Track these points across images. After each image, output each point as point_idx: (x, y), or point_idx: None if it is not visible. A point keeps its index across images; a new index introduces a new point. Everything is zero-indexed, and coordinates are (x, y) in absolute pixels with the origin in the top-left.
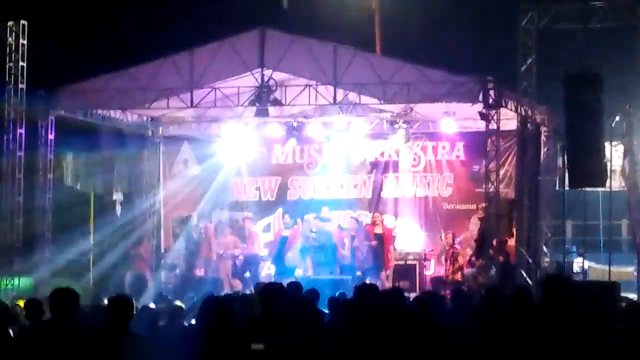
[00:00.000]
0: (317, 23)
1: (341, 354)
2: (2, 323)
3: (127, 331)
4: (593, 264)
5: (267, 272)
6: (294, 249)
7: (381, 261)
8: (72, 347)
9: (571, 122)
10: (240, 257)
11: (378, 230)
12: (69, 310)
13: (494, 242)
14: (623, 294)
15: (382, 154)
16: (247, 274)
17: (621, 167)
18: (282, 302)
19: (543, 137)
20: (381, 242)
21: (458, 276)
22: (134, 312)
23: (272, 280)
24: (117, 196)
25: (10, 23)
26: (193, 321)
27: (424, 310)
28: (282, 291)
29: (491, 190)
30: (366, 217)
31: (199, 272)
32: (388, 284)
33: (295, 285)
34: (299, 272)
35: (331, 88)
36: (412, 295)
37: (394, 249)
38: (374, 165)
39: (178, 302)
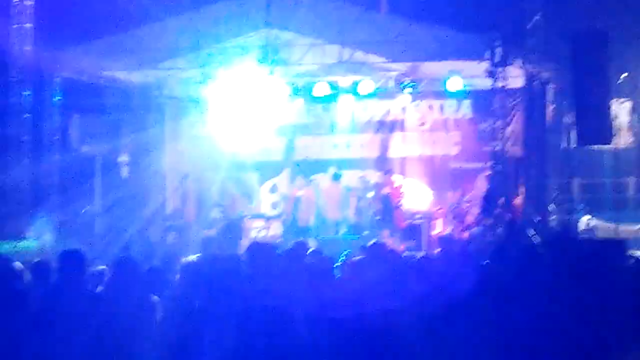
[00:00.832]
0: None
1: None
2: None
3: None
4: (600, 222)
5: (273, 232)
6: (307, 209)
7: (387, 220)
8: (80, 310)
9: (578, 80)
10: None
11: (384, 190)
12: (77, 272)
13: (502, 201)
14: (630, 252)
15: (388, 113)
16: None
17: (628, 124)
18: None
19: (550, 95)
20: (387, 201)
21: (465, 235)
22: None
23: (279, 240)
24: (124, 158)
25: None
26: None
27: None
28: (272, 251)
29: (498, 148)
30: (374, 177)
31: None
32: (392, 243)
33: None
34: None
35: (337, 47)
36: (419, 255)
37: (401, 208)
38: (381, 124)
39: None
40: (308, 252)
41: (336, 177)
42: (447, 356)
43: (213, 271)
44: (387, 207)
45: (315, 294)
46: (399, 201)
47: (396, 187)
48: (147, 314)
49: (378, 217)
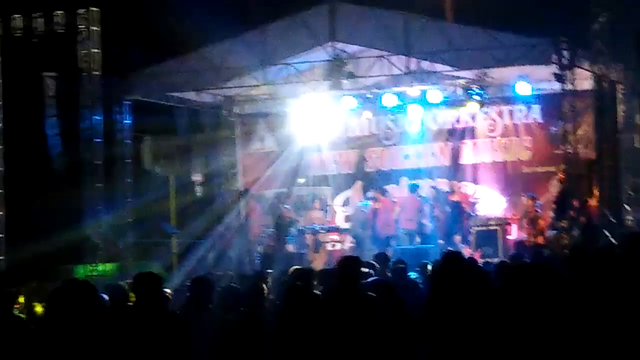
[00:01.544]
0: None
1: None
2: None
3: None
4: None
5: (348, 245)
6: (385, 220)
7: (458, 228)
8: (158, 330)
9: None
10: (322, 231)
11: (455, 198)
12: (153, 293)
13: (576, 203)
14: None
15: (458, 121)
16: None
17: None
18: (357, 276)
19: (620, 96)
20: (458, 210)
21: (540, 239)
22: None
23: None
24: (197, 177)
25: (81, 10)
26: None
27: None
28: (358, 264)
29: (569, 151)
30: (445, 186)
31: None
32: (466, 249)
33: (383, 257)
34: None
35: (404, 58)
36: (495, 260)
37: (475, 215)
38: (451, 132)
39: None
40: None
41: (413, 188)
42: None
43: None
44: (457, 214)
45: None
46: (471, 209)
47: (466, 195)
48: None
49: (448, 225)
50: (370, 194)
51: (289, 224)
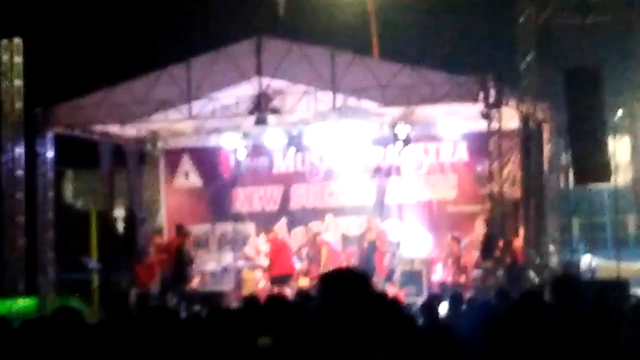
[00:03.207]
0: (313, 29)
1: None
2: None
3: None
4: (601, 261)
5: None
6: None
7: (372, 267)
8: None
9: (573, 118)
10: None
11: (371, 236)
12: (73, 328)
13: (501, 243)
14: (632, 290)
15: (383, 158)
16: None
17: (627, 161)
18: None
19: (546, 135)
20: (373, 248)
21: (463, 279)
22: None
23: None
24: (119, 212)
25: (4, 41)
26: None
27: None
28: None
29: (495, 190)
30: (366, 223)
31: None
32: (391, 288)
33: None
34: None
35: (330, 94)
36: (419, 300)
37: (398, 254)
38: (377, 170)
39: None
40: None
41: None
42: None
43: None
44: (371, 254)
45: None
46: (387, 247)
47: (382, 232)
48: None
49: (362, 264)
50: (262, 234)
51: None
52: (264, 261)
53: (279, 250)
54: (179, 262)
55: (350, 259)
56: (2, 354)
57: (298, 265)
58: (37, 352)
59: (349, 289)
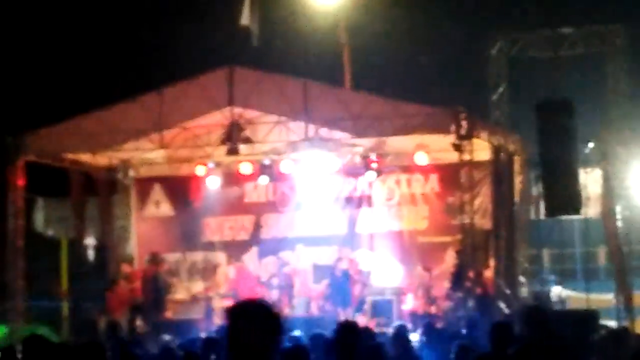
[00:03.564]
0: (286, 60)
1: None
2: None
3: None
4: (571, 292)
5: None
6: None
7: (347, 296)
8: None
9: (545, 150)
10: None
11: (343, 265)
12: (42, 357)
13: (471, 274)
14: (602, 322)
15: (355, 189)
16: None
17: (600, 193)
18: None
19: (517, 167)
20: (346, 278)
21: (433, 309)
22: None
23: None
24: (90, 241)
25: None
26: None
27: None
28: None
29: (466, 221)
30: (334, 253)
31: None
32: (361, 318)
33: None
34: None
35: (302, 124)
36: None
37: (368, 284)
38: (348, 200)
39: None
40: None
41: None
42: None
43: None
44: (346, 284)
45: None
46: (358, 276)
47: (353, 262)
48: None
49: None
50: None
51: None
52: (226, 290)
53: (243, 280)
54: (154, 290)
55: (323, 289)
56: None
57: (267, 294)
58: None
59: (251, 315)
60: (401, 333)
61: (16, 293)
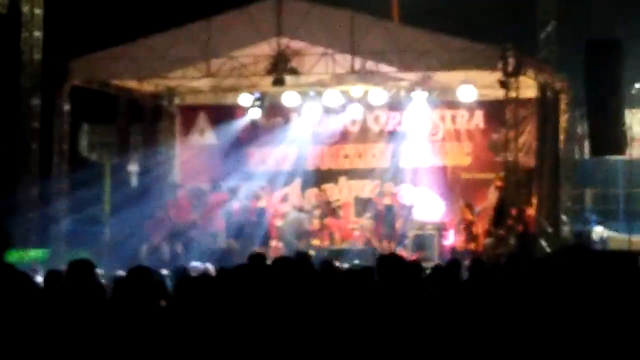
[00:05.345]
0: None
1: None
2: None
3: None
4: (613, 233)
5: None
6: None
7: (391, 230)
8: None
9: (591, 90)
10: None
11: (387, 201)
12: (87, 280)
13: (513, 212)
14: None
15: (399, 123)
16: None
17: None
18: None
19: (563, 105)
20: (391, 212)
21: (472, 246)
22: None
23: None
24: (133, 167)
25: None
26: None
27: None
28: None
29: (510, 159)
30: (377, 188)
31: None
32: (403, 252)
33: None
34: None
35: (348, 56)
36: (431, 265)
37: (406, 218)
38: (392, 134)
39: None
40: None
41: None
42: None
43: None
44: (391, 217)
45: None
46: (401, 211)
47: (395, 196)
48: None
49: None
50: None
51: None
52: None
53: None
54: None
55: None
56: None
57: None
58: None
59: None
60: (454, 266)
61: (59, 217)
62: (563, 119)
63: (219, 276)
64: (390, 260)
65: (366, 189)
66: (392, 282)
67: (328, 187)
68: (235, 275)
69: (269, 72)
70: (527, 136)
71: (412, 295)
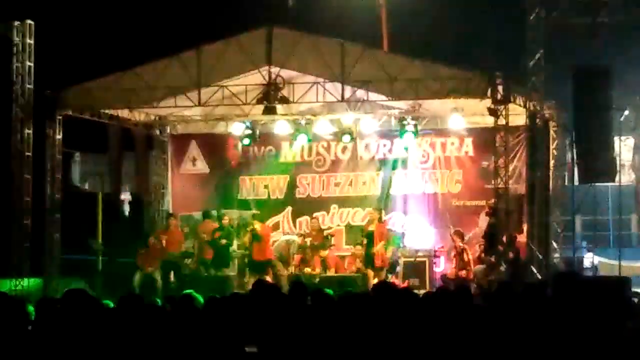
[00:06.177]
0: (324, 20)
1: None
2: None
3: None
4: (603, 259)
5: None
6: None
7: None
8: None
9: (580, 117)
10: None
11: (371, 228)
12: (83, 310)
13: (504, 238)
14: (634, 289)
15: (390, 151)
16: None
17: (631, 162)
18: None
19: (552, 133)
20: (370, 240)
21: (463, 273)
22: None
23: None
24: (125, 196)
25: (16, 23)
26: None
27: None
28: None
29: (500, 186)
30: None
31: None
32: (394, 280)
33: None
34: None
35: (339, 85)
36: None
37: (403, 246)
38: (383, 162)
39: None
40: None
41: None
42: None
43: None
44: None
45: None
46: (384, 239)
47: (381, 225)
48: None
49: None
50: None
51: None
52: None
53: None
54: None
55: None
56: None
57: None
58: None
59: None
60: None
61: (52, 246)
62: (552, 146)
63: (209, 305)
64: (382, 288)
65: (357, 216)
66: (387, 308)
67: (319, 215)
68: (238, 303)
69: (260, 101)
70: (517, 163)
71: (406, 321)
